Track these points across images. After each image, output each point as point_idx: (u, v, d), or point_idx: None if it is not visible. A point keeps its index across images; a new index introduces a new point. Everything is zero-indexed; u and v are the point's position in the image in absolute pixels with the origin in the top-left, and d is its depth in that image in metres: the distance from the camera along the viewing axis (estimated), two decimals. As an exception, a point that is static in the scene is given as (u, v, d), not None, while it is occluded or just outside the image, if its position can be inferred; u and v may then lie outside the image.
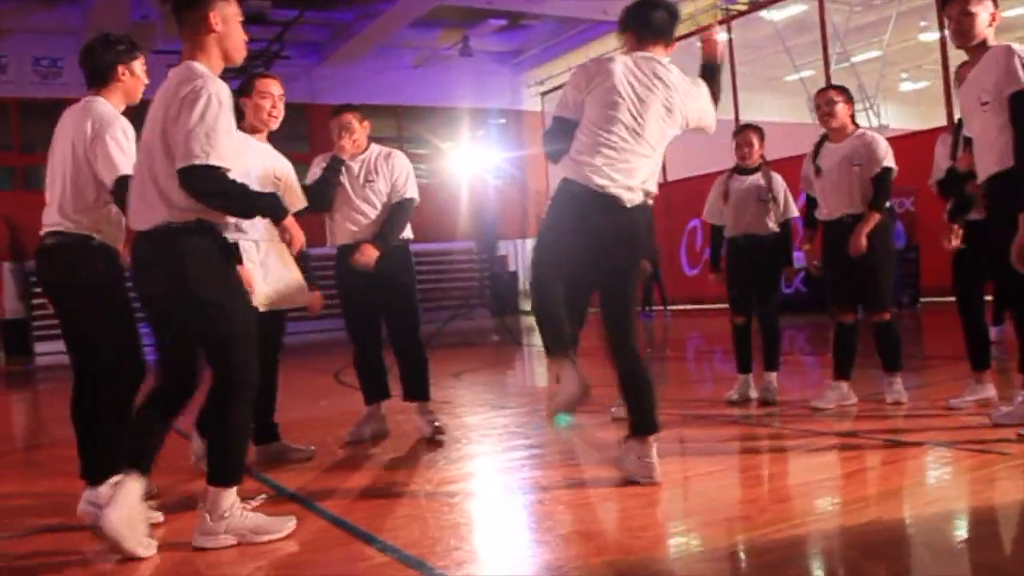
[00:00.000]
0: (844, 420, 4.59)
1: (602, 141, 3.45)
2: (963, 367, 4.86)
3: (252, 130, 4.28)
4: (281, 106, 4.35)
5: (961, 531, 2.80)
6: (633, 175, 3.47)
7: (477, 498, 3.60)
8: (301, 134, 20.52)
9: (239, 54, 3.08)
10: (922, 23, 18.15)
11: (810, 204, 5.07)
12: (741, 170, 5.40)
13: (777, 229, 5.31)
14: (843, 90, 4.99)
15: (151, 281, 2.98)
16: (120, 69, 3.55)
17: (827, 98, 4.91)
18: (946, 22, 3.97)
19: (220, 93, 2.89)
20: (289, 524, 3.07)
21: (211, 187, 2.87)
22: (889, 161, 4.78)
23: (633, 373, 3.55)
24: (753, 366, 5.40)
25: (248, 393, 3.00)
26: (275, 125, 4.36)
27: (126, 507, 2.86)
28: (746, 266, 5.32)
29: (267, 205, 3.10)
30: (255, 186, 4.01)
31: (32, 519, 3.53)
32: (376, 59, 20.53)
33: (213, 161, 2.84)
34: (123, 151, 3.39)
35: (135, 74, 3.60)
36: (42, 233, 3.53)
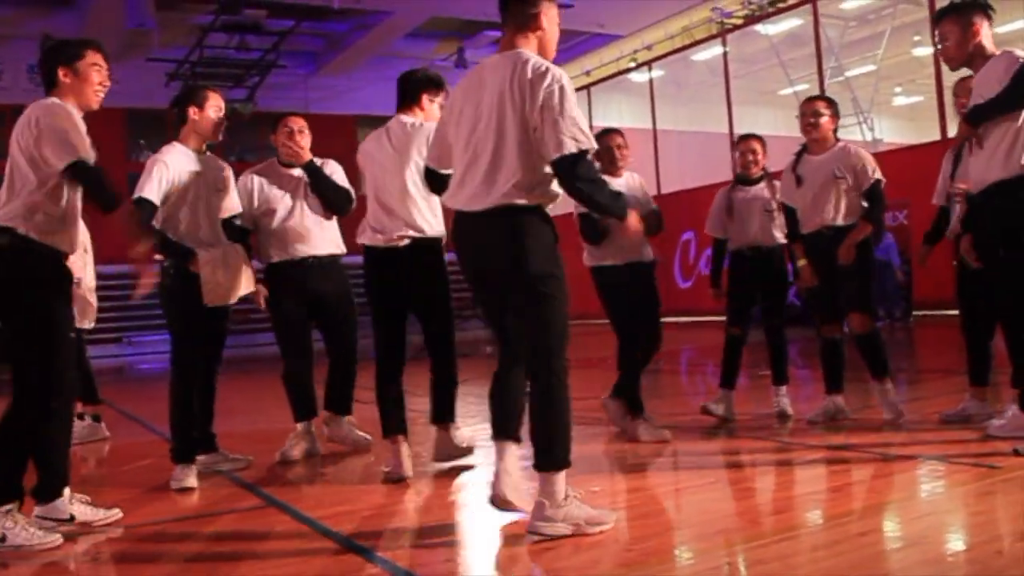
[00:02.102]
0: (836, 433, 4.57)
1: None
2: (956, 380, 4.87)
3: (191, 137, 4.29)
4: None
5: (953, 544, 2.80)
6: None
7: (469, 510, 3.58)
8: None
9: (553, 53, 3.17)
10: (916, 38, 18.25)
11: (791, 216, 4.95)
12: (744, 180, 5.26)
13: (783, 240, 5.14)
14: (831, 103, 4.91)
15: (493, 260, 3.04)
16: (60, 72, 3.43)
17: (813, 109, 4.82)
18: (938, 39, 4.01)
19: (567, 81, 2.99)
20: (613, 516, 3.06)
21: (590, 174, 2.98)
22: (878, 173, 4.73)
23: None
24: (737, 383, 5.25)
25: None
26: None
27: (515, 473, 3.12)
28: (750, 278, 5.18)
29: (618, 203, 3.17)
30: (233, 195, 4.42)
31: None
32: (371, 69, 20.51)
33: (588, 146, 2.94)
34: (76, 135, 3.30)
35: (80, 74, 3.43)
36: None
